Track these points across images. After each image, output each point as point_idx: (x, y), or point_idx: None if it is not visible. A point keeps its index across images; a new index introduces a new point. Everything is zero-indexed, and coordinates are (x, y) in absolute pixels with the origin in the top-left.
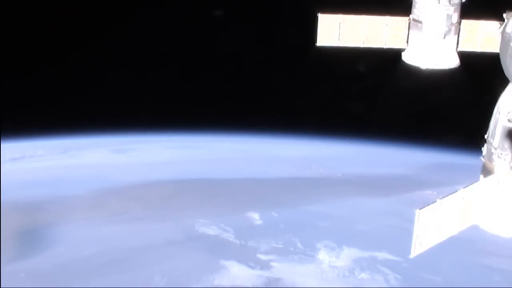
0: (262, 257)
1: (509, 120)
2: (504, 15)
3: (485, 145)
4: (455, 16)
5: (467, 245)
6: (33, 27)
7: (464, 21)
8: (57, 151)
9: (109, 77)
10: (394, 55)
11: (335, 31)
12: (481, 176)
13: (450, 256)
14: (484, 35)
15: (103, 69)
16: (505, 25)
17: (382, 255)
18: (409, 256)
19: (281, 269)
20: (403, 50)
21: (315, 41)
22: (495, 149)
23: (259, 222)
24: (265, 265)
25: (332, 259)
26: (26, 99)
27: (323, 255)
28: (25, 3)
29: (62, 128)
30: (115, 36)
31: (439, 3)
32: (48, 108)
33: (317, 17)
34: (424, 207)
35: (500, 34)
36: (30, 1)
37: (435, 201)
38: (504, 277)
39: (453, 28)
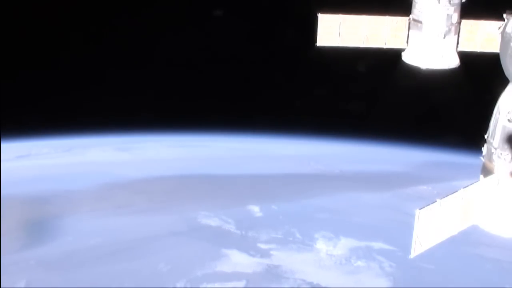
0: (262, 246)
1: (509, 120)
2: (504, 15)
3: (485, 145)
4: (455, 16)
5: (461, 235)
6: (35, 26)
7: (464, 21)
8: (62, 149)
9: (112, 78)
10: (394, 55)
11: (335, 31)
12: (481, 176)
13: (443, 246)
14: (484, 35)
15: (105, 70)
16: (505, 25)
17: (377, 244)
18: (409, 256)
19: (280, 257)
20: (403, 50)
21: (315, 41)
22: (495, 149)
23: (259, 214)
24: (265, 254)
25: (329, 248)
26: (29, 99)
27: (320, 245)
28: (26, 2)
29: (66, 128)
30: (118, 35)
31: (439, 3)
32: (52, 107)
33: (317, 17)
34: (424, 207)
35: (500, 34)
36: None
37: (435, 201)
38: (495, 266)
39: (453, 28)
